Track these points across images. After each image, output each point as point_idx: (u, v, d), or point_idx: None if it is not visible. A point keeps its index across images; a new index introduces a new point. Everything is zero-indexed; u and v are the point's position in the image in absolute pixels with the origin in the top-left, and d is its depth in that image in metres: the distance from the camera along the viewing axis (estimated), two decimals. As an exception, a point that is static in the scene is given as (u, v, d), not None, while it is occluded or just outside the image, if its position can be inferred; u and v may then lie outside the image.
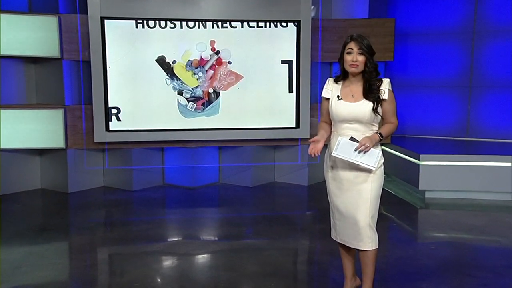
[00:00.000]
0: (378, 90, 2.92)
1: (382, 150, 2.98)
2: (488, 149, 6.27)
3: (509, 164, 5.54)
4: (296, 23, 6.08)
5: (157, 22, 5.89)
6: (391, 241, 4.44)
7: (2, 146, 5.77)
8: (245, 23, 6.03)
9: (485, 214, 5.24)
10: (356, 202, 2.93)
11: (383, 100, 2.92)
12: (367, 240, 2.92)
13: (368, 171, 2.90)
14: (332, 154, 2.92)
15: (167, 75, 5.99)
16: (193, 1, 5.90)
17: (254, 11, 6.00)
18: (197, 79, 6.05)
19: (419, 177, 5.66)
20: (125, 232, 4.65)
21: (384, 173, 3.05)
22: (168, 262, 3.99)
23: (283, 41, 6.12)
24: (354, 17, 6.52)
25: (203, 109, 6.10)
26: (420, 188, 5.71)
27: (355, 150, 2.86)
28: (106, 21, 5.75)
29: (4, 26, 5.57)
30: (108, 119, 5.91)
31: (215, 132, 6.13)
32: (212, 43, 6.02)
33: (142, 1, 5.80)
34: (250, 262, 3.90)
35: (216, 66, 6.07)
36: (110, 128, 5.93)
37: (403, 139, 6.98)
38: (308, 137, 6.25)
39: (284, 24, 6.09)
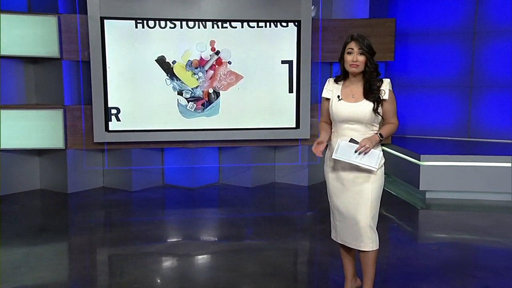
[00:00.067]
0: (379, 90, 2.91)
1: (383, 150, 2.97)
2: (489, 150, 6.26)
3: (509, 164, 5.53)
4: (296, 23, 6.07)
5: (157, 22, 5.88)
6: (391, 241, 4.43)
7: (2, 147, 5.76)
8: (245, 23, 6.02)
9: (486, 214, 5.23)
10: (357, 202, 2.92)
11: (384, 100, 2.91)
12: (368, 241, 2.91)
13: (369, 171, 2.89)
14: (332, 157, 2.91)
15: (167, 75, 5.98)
16: (193, 1, 5.89)
17: (254, 11, 5.99)
18: (197, 79, 6.04)
19: (420, 177, 5.65)
20: (124, 233, 4.63)
21: (385, 174, 3.03)
22: (168, 262, 3.98)
23: (283, 41, 6.11)
24: (355, 17, 6.52)
25: (203, 109, 6.09)
26: (420, 189, 5.70)
27: (355, 152, 2.85)
28: (105, 21, 5.74)
29: (3, 26, 5.56)
30: (107, 119, 5.89)
31: (215, 132, 6.12)
32: (212, 43, 6.01)
33: (142, 1, 5.79)
34: (250, 262, 3.89)
35: (216, 66, 6.05)
36: (110, 129, 5.92)
37: (403, 140, 6.97)
38: (308, 137, 6.26)
39: (284, 24, 6.08)
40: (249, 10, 5.98)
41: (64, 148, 5.93)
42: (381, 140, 2.92)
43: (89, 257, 4.13)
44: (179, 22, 5.92)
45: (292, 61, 6.14)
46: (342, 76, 3.00)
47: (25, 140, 5.82)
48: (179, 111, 6.04)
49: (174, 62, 5.97)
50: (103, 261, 4.12)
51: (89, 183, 6.20)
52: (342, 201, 2.98)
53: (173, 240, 4.63)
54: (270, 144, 6.40)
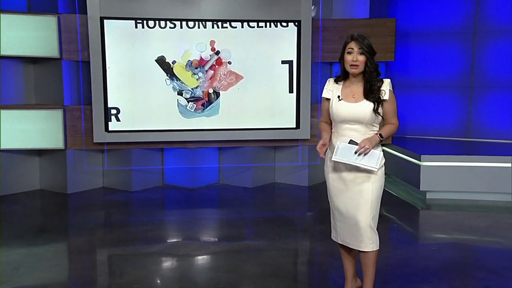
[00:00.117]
0: (379, 90, 2.90)
1: (383, 150, 2.97)
2: (489, 150, 6.25)
3: (509, 164, 5.52)
4: (296, 23, 6.06)
5: (157, 22, 5.87)
6: (392, 242, 4.43)
7: (2, 147, 5.75)
8: (245, 23, 6.01)
9: (487, 215, 5.22)
10: (357, 202, 2.91)
11: (384, 100, 2.91)
12: (368, 241, 2.91)
13: (369, 171, 2.89)
14: (332, 159, 2.90)
15: (167, 75, 5.97)
16: (193, 1, 5.88)
17: (254, 11, 5.98)
18: (197, 79, 6.04)
19: (420, 177, 5.64)
20: (124, 233, 4.63)
21: (385, 174, 3.03)
22: (168, 263, 3.98)
23: (283, 41, 6.10)
24: (355, 17, 6.51)
25: (203, 110, 6.08)
26: (421, 189, 5.69)
27: (355, 153, 2.84)
28: (105, 21, 5.74)
29: (3, 26, 5.55)
30: (107, 119, 5.89)
31: (215, 132, 6.11)
32: (212, 43, 6.01)
33: (141, 1, 5.79)
34: (250, 263, 3.88)
35: (216, 66, 6.05)
36: (110, 129, 5.91)
37: (404, 140, 6.97)
38: (309, 137, 6.25)
39: (284, 24, 6.07)
40: (249, 10, 5.98)
41: (64, 148, 5.92)
42: (381, 141, 2.91)
43: (89, 258, 4.13)
44: (179, 22, 5.91)
45: (292, 61, 6.14)
46: (342, 76, 3.00)
47: (25, 140, 5.82)
48: (179, 111, 6.03)
49: (174, 62, 5.96)
50: (103, 262, 4.12)
51: (89, 183, 6.19)
52: (342, 201, 2.97)
53: (173, 240, 4.63)
54: (270, 144, 6.39)
